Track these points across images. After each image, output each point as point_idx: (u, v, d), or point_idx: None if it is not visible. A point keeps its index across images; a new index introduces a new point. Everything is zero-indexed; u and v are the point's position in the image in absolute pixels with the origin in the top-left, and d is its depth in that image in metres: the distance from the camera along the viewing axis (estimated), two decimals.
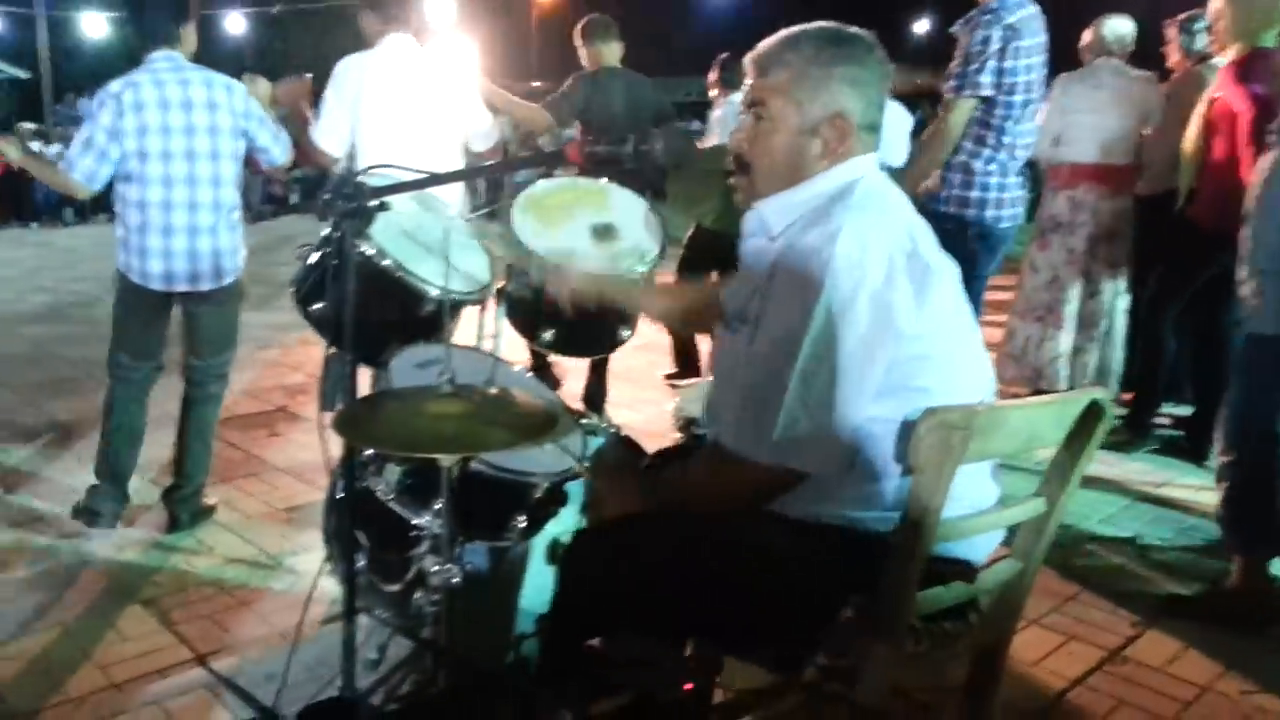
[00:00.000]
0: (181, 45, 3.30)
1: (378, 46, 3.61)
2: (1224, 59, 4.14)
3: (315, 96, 3.79)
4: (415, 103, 3.56)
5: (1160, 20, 4.92)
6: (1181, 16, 4.73)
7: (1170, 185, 4.46)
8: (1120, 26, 4.72)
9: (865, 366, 1.57)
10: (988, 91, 3.37)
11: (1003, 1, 3.38)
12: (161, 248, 3.24)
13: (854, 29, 1.72)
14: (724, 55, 6.01)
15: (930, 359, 1.61)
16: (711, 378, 1.87)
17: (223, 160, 3.31)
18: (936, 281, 1.62)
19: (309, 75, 3.92)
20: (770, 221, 1.72)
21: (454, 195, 3.40)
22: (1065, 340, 4.81)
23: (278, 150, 3.49)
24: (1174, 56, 4.76)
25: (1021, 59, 3.36)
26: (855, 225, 1.58)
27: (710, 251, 4.32)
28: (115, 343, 3.40)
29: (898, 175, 3.35)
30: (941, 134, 3.47)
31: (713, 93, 6.27)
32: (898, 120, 6.17)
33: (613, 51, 4.67)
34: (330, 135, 3.55)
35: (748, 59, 1.74)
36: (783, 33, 1.71)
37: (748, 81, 1.74)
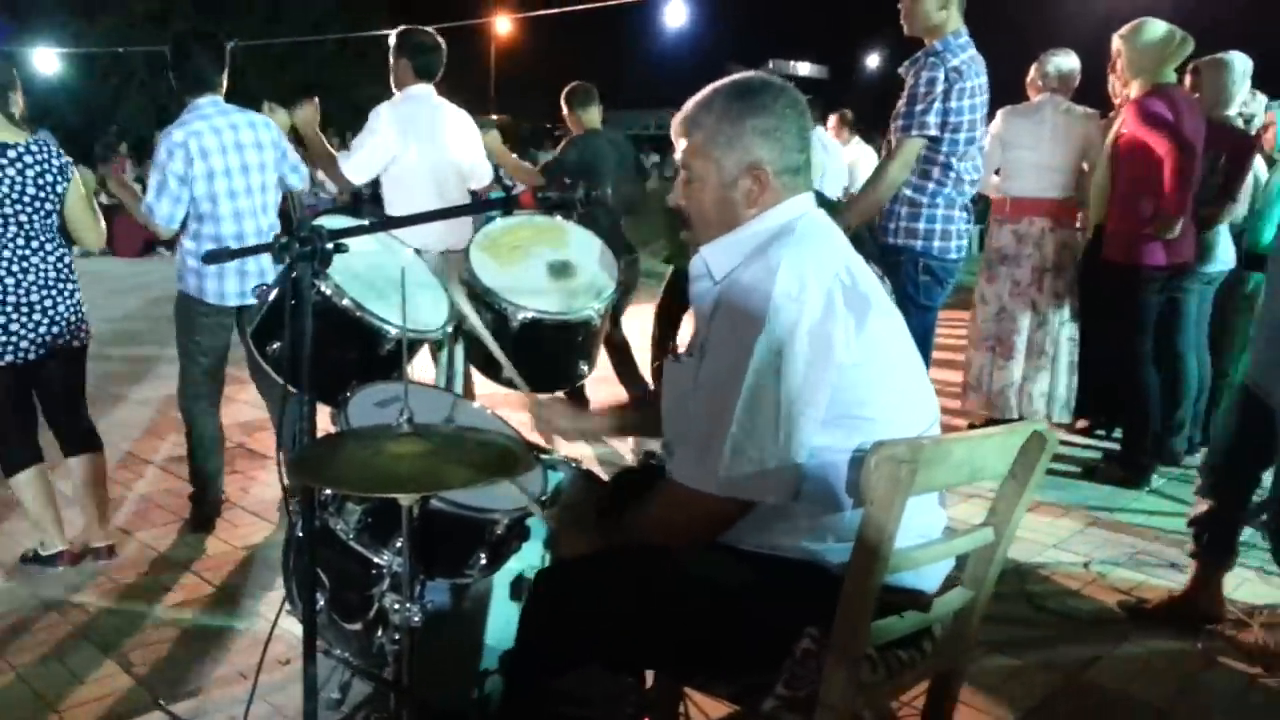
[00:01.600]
0: (222, 90, 3.67)
1: (406, 93, 4.14)
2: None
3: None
4: (436, 147, 4.08)
5: (1101, 56, 5.06)
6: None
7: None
8: (1064, 62, 4.83)
9: (808, 397, 1.62)
10: (934, 131, 3.46)
11: (946, 44, 3.48)
12: (236, 269, 3.58)
13: (765, 77, 1.79)
14: None
15: (872, 387, 1.66)
16: (662, 408, 1.90)
17: (269, 191, 3.74)
18: (875, 314, 1.68)
19: (315, 98, 4.19)
20: (713, 265, 1.78)
21: (465, 230, 3.70)
22: (1015, 370, 4.92)
23: (296, 179, 3.87)
24: (1119, 91, 4.90)
25: (965, 99, 3.46)
26: (793, 260, 1.64)
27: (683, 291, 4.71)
28: (189, 362, 3.71)
29: (839, 208, 3.44)
30: (887, 172, 3.55)
31: None
32: (830, 148, 6.33)
33: (593, 115, 5.09)
34: (360, 170, 4.03)
35: (674, 123, 1.82)
36: (699, 94, 1.78)
37: (678, 143, 1.82)
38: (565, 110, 5.20)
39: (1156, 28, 4.15)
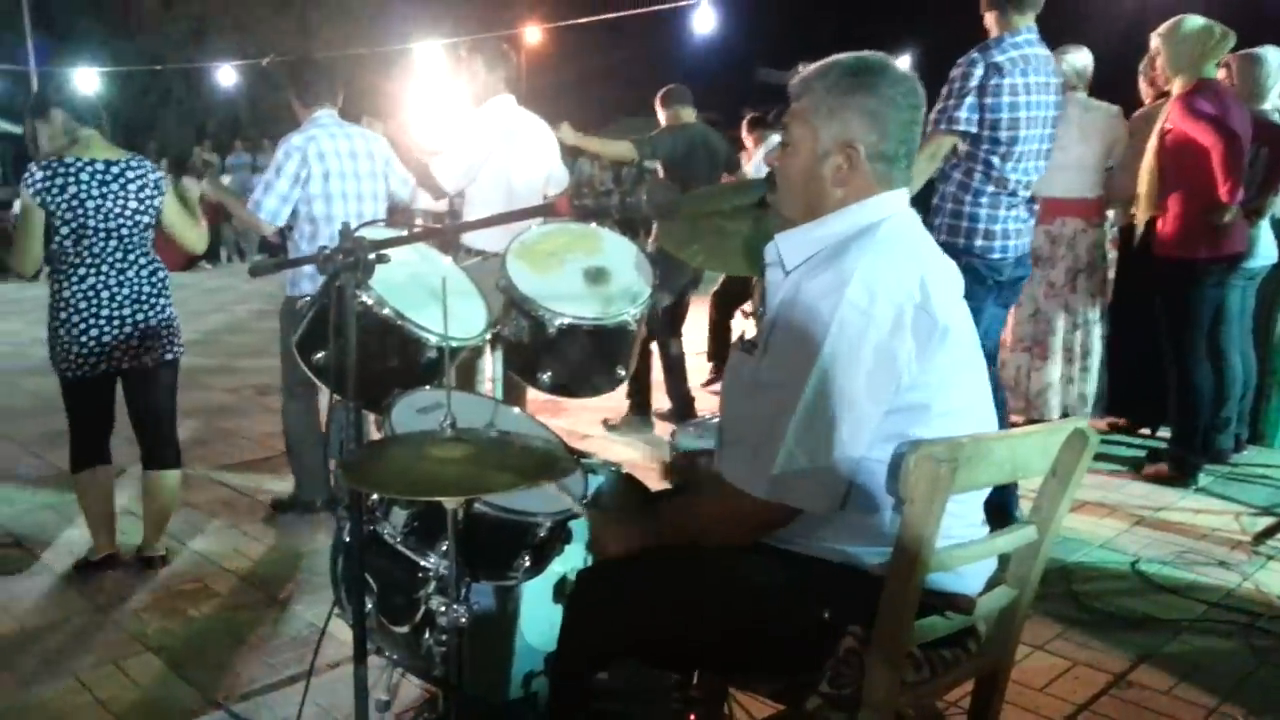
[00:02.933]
0: (337, 105, 3.93)
1: (492, 103, 4.17)
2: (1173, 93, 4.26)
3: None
4: (518, 155, 4.14)
5: (1126, 53, 5.04)
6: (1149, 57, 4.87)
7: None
8: (1079, 59, 4.79)
9: (865, 411, 1.60)
10: (964, 126, 3.41)
11: (998, 41, 3.43)
12: None
13: (889, 61, 1.73)
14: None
15: (928, 410, 1.63)
16: (721, 394, 1.91)
17: (380, 200, 3.98)
18: (943, 337, 1.63)
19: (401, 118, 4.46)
20: (786, 254, 1.75)
21: None
22: (1053, 371, 4.89)
23: (405, 191, 4.10)
24: (1146, 91, 4.88)
25: (1005, 96, 3.38)
26: (866, 273, 1.60)
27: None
28: (294, 366, 3.79)
29: None
30: (913, 163, 3.52)
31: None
32: None
33: (690, 112, 5.51)
34: (453, 179, 4.05)
35: (790, 83, 1.79)
36: (823, 60, 1.75)
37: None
38: (660, 107, 5.54)
39: (1195, 23, 4.10)
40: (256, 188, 3.77)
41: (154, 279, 3.43)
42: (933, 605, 1.64)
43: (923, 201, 3.45)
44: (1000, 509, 3.47)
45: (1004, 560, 1.80)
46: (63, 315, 3.30)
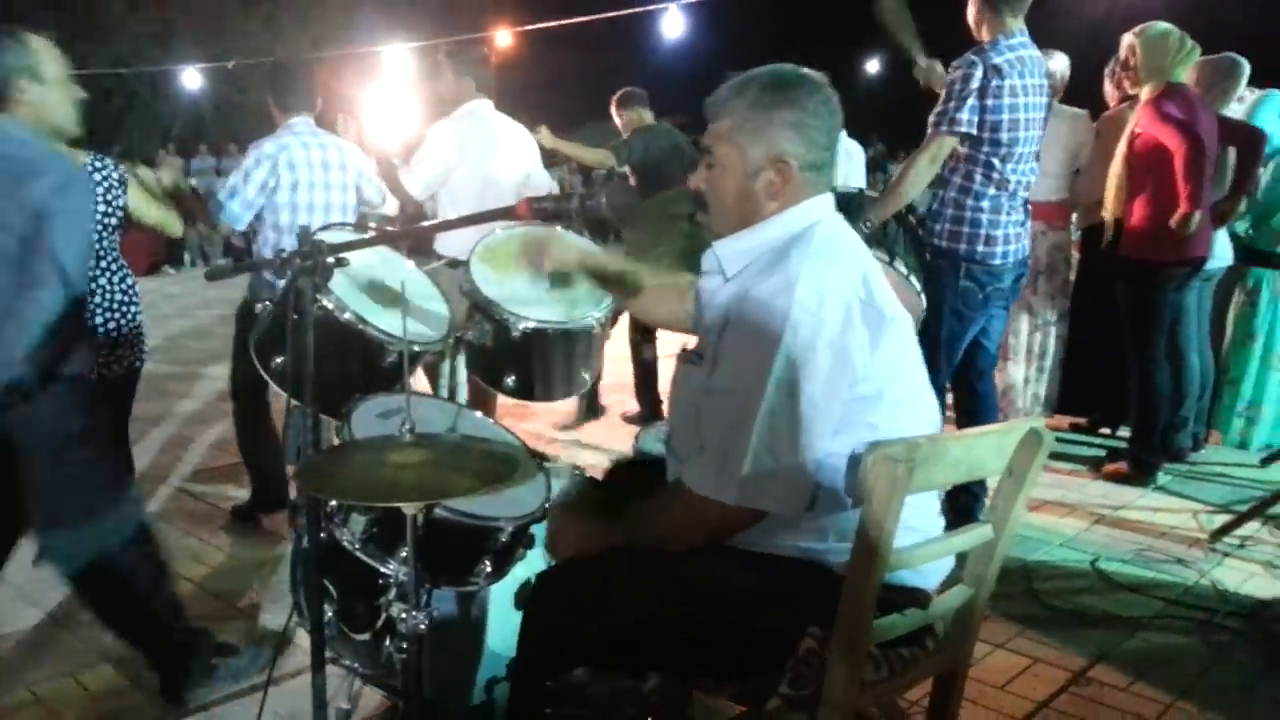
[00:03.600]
0: (313, 111, 3.84)
1: (466, 108, 4.13)
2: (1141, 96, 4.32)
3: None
4: (493, 161, 4.07)
5: (1090, 57, 5.11)
6: (1118, 57, 4.91)
7: (1096, 220, 4.66)
8: (1058, 65, 4.85)
9: (826, 409, 1.62)
10: (965, 129, 3.40)
11: (994, 44, 3.44)
12: None
13: (803, 71, 1.76)
14: None
15: (881, 399, 1.67)
16: (668, 406, 1.91)
17: (347, 212, 3.89)
18: (890, 327, 1.68)
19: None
20: (725, 262, 1.78)
21: None
22: (1016, 372, 4.95)
23: (379, 199, 4.02)
24: (1112, 95, 4.94)
25: (1005, 98, 3.38)
26: (812, 274, 1.63)
27: None
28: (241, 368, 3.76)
29: (867, 203, 3.41)
30: (912, 166, 3.46)
31: None
32: (853, 152, 6.49)
33: (649, 114, 5.48)
34: (422, 185, 4.03)
35: (706, 105, 1.79)
36: (732, 81, 1.76)
37: (709, 127, 1.79)
38: (617, 110, 5.49)
39: (1166, 29, 4.17)
40: (223, 189, 3.72)
41: (124, 285, 3.35)
42: (891, 601, 1.65)
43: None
44: (966, 515, 3.51)
45: (961, 559, 1.82)
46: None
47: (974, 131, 3.41)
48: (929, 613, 1.72)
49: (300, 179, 3.71)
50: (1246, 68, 4.58)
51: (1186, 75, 4.34)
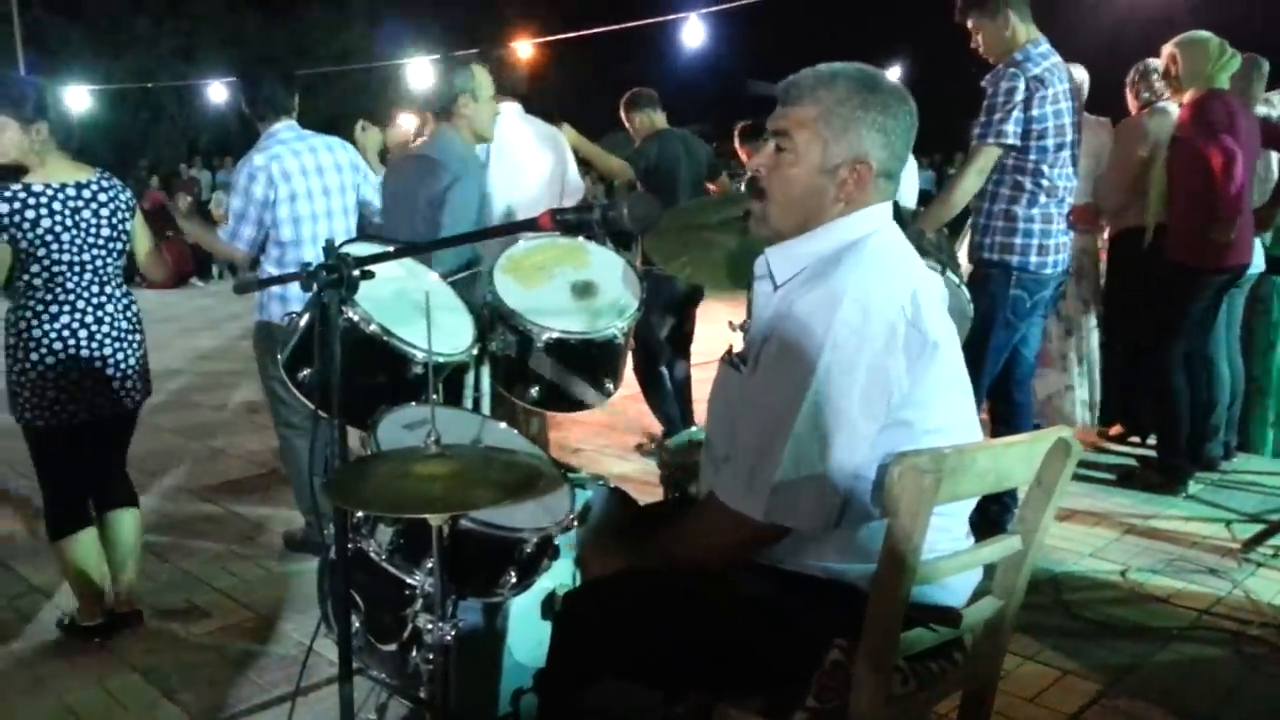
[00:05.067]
0: (294, 114, 3.70)
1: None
2: (1172, 103, 4.32)
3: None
4: (521, 166, 4.00)
5: (1114, 67, 5.13)
6: (1138, 66, 4.94)
7: (1129, 223, 4.62)
8: (1080, 75, 4.87)
9: (860, 429, 1.59)
10: (1012, 140, 3.42)
11: (1026, 54, 3.45)
12: None
13: (885, 76, 1.72)
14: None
15: (913, 427, 1.63)
16: (707, 406, 1.90)
17: (350, 214, 3.76)
18: (931, 354, 1.63)
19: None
20: (776, 268, 1.74)
21: None
22: (1055, 379, 4.91)
23: (375, 199, 3.80)
24: (1133, 103, 4.95)
25: (1048, 106, 3.42)
26: (858, 289, 1.59)
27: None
28: (277, 388, 3.61)
29: (915, 217, 3.43)
30: (961, 179, 3.51)
31: None
32: (910, 172, 6.60)
33: (661, 116, 5.23)
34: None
35: (779, 87, 1.72)
36: (818, 67, 1.71)
37: (777, 109, 1.72)
38: (627, 112, 5.27)
39: (1207, 36, 4.16)
40: (230, 215, 3.57)
41: (129, 313, 3.10)
42: (919, 619, 1.64)
43: None
44: (997, 525, 3.48)
45: (990, 571, 1.80)
46: (33, 358, 2.91)
47: (1018, 142, 3.44)
48: (958, 628, 1.70)
49: (297, 189, 3.57)
50: (1266, 66, 4.56)
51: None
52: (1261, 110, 4.63)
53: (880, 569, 1.56)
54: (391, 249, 1.99)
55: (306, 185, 3.60)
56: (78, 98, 21.86)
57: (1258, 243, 4.51)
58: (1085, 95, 4.91)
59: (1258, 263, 4.53)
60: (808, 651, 1.66)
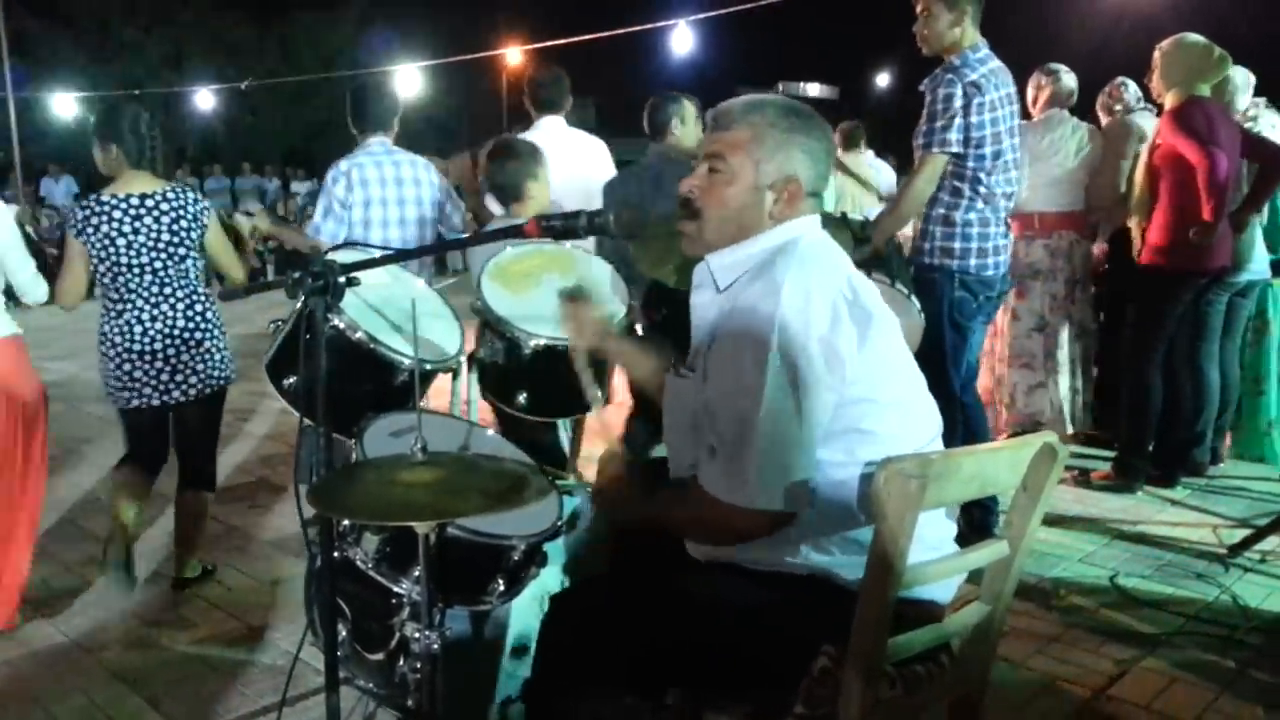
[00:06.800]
0: (391, 132, 3.96)
1: (538, 127, 4.33)
2: (1147, 113, 4.37)
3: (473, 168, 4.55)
4: (569, 175, 4.11)
5: (1097, 75, 5.21)
6: (1107, 88, 5.09)
7: (1119, 226, 4.68)
8: (1071, 80, 4.92)
9: (822, 399, 1.64)
10: (956, 148, 3.43)
11: (964, 59, 3.45)
12: None
13: (805, 106, 1.84)
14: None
15: (874, 403, 1.68)
16: (664, 424, 1.91)
17: (426, 226, 3.97)
18: (878, 327, 1.71)
19: (468, 154, 4.50)
20: (717, 275, 1.81)
21: None
22: (1064, 383, 4.93)
23: (458, 219, 4.09)
24: (1104, 118, 5.03)
25: (986, 113, 3.42)
26: (797, 278, 1.67)
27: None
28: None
29: (864, 228, 3.44)
30: (910, 189, 3.53)
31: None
32: (880, 167, 6.63)
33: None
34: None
35: (709, 114, 1.83)
36: (745, 97, 1.83)
37: (708, 135, 1.83)
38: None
39: (1194, 41, 4.18)
40: (316, 213, 3.88)
41: (191, 312, 3.36)
42: (904, 613, 1.64)
43: None
44: (981, 529, 3.49)
45: (976, 576, 1.80)
46: (103, 348, 3.33)
47: (961, 149, 3.45)
48: (946, 630, 1.70)
49: (372, 196, 3.81)
50: (1243, 75, 4.57)
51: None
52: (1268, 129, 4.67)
53: (867, 574, 1.57)
54: (377, 255, 1.98)
55: (383, 194, 3.83)
56: (65, 105, 21.82)
57: (1262, 248, 4.53)
58: (1074, 102, 4.96)
59: (1260, 269, 4.55)
60: (795, 657, 1.66)
